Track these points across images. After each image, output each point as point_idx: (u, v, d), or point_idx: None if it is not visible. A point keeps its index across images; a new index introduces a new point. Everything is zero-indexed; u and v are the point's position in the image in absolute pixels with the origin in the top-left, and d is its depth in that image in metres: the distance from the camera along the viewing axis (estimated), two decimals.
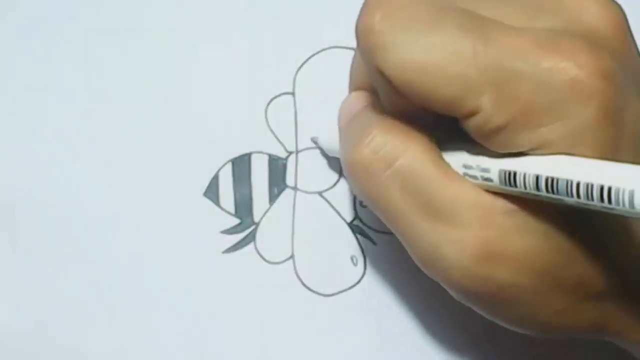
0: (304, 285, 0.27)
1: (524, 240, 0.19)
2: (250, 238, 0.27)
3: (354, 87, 0.24)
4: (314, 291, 0.27)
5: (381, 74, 0.19)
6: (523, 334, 0.22)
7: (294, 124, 0.27)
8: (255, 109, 0.27)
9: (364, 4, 0.19)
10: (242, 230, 0.27)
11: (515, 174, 0.19)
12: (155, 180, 0.27)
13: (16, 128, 0.27)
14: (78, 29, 0.27)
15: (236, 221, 0.27)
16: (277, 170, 0.27)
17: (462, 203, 0.19)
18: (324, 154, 0.27)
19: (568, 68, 0.18)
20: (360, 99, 0.23)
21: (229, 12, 0.27)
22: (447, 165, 0.20)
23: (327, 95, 0.27)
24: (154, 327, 0.27)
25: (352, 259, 0.27)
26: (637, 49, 0.20)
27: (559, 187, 0.18)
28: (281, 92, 0.27)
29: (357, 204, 0.27)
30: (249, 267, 0.27)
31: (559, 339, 0.23)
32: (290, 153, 0.27)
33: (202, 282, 0.27)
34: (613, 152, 0.18)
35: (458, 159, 0.20)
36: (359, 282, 0.27)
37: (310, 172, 0.27)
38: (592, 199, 0.17)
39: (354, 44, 0.27)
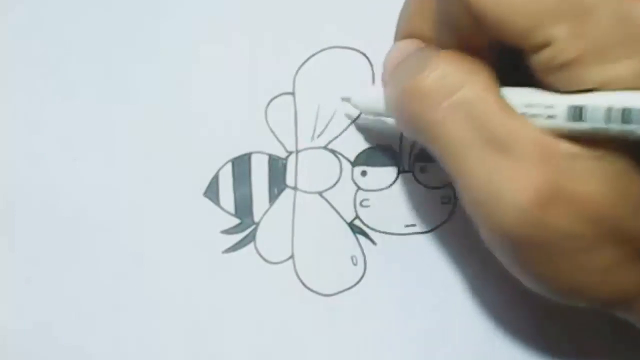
0: (304, 285, 0.27)
1: (590, 185, 0.18)
2: (250, 238, 0.27)
3: (403, 34, 0.23)
4: (314, 291, 0.27)
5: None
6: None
7: (294, 124, 0.27)
8: (255, 109, 0.27)
9: None
10: (242, 230, 0.27)
11: (583, 108, 0.18)
12: (155, 180, 0.27)
13: (16, 128, 0.27)
14: (78, 30, 0.27)
15: (236, 221, 0.27)
16: (277, 170, 0.27)
17: (525, 139, 0.19)
18: (350, 116, 0.26)
19: None
20: (411, 43, 0.22)
21: (229, 12, 0.27)
22: (509, 102, 0.19)
23: (327, 95, 0.27)
24: (154, 327, 0.27)
25: (352, 259, 0.27)
26: None
27: (633, 116, 0.17)
28: (281, 92, 0.27)
29: (357, 204, 0.27)
30: (249, 267, 0.27)
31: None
32: (290, 153, 0.27)
33: (202, 282, 0.27)
34: None
35: (520, 97, 0.19)
36: (359, 282, 0.27)
37: (310, 172, 0.27)
38: None
39: (354, 44, 0.27)
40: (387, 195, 0.27)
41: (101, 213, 0.27)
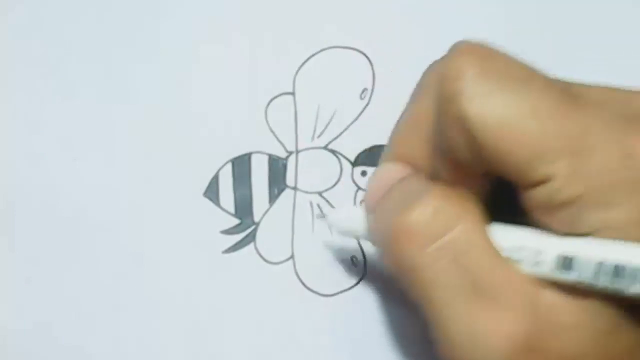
0: (304, 285, 0.27)
1: (570, 340, 0.18)
2: (250, 238, 0.27)
3: (394, 156, 0.22)
4: (314, 291, 0.27)
5: (459, 123, 0.18)
6: None
7: (294, 124, 0.27)
8: (255, 109, 0.27)
9: (454, 49, 0.19)
10: (242, 231, 0.27)
11: (573, 259, 0.18)
12: (155, 180, 0.27)
13: (16, 128, 0.27)
14: (78, 30, 0.27)
15: (236, 221, 0.27)
16: (277, 170, 0.27)
17: (510, 287, 0.18)
18: (331, 230, 0.26)
19: None
20: (398, 170, 0.22)
21: (229, 12, 0.27)
22: (496, 244, 0.19)
23: (327, 95, 0.27)
24: (154, 326, 0.27)
25: (352, 259, 0.27)
26: None
27: (626, 273, 0.17)
28: (281, 92, 0.27)
29: (357, 204, 0.27)
30: (249, 267, 0.27)
31: None
32: (290, 153, 0.27)
33: (202, 282, 0.27)
34: None
35: (509, 239, 0.19)
36: (359, 282, 0.27)
37: (310, 172, 0.27)
38: None
39: (354, 44, 0.27)
40: None
41: (101, 213, 0.27)
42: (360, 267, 0.27)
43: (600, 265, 0.17)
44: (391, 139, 0.23)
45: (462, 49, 0.19)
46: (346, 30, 0.27)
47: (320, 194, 0.27)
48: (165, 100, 0.27)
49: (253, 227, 0.27)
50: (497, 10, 0.27)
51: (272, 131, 0.27)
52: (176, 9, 0.27)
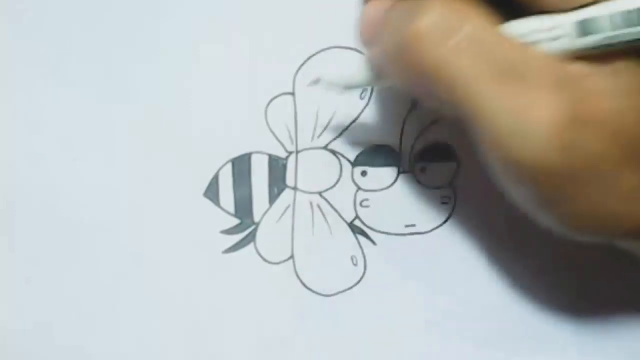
0: (304, 285, 0.27)
1: (608, 102, 0.18)
2: (250, 238, 0.27)
3: None
4: (314, 291, 0.27)
5: None
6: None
7: (294, 124, 0.27)
8: (255, 109, 0.27)
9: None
10: (242, 230, 0.27)
11: (591, 20, 0.18)
12: (155, 180, 0.27)
13: (16, 128, 0.27)
14: (78, 30, 0.27)
15: (236, 221, 0.27)
16: (277, 170, 0.27)
17: (537, 66, 0.18)
18: (330, 90, 0.25)
19: None
20: (384, 1, 0.22)
21: (229, 12, 0.27)
22: (512, 33, 0.19)
23: (327, 95, 0.27)
24: (154, 327, 0.27)
25: (352, 259, 0.27)
26: None
27: None
28: (281, 92, 0.27)
29: (357, 204, 0.27)
30: (249, 267, 0.27)
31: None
32: (290, 153, 0.27)
33: (202, 282, 0.27)
34: None
35: (519, 27, 0.19)
36: (359, 282, 0.27)
37: (310, 172, 0.27)
38: None
39: (354, 44, 0.27)
40: (387, 195, 0.27)
41: (101, 213, 0.27)
42: (360, 267, 0.27)
43: (618, 15, 0.17)
44: None
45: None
46: (346, 30, 0.27)
47: (320, 194, 0.27)
48: (165, 100, 0.27)
49: (253, 227, 0.27)
50: None
51: (272, 131, 0.27)
52: (176, 9, 0.27)
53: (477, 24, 0.19)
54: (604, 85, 0.18)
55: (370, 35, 0.22)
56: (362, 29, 0.23)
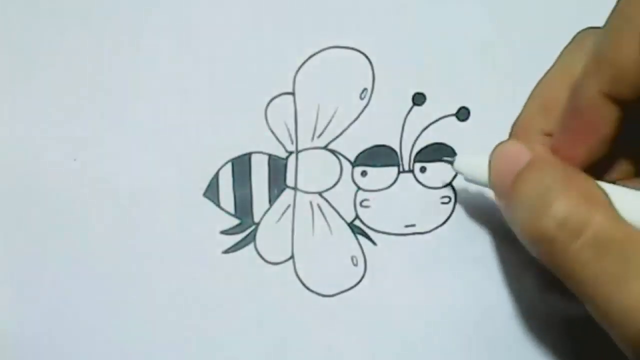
0: (304, 285, 0.27)
1: None
2: (250, 238, 0.27)
3: (538, 102, 0.24)
4: (314, 291, 0.27)
5: None
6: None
7: (294, 124, 0.27)
8: (255, 109, 0.27)
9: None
10: (242, 231, 0.27)
11: None
12: (156, 180, 0.27)
13: (16, 128, 0.27)
14: (78, 30, 0.27)
15: (236, 221, 0.27)
16: (277, 170, 0.27)
17: None
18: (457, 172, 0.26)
19: None
20: (525, 151, 0.22)
21: (229, 12, 0.27)
22: (626, 222, 0.20)
23: (327, 95, 0.27)
24: (153, 327, 0.27)
25: (352, 259, 0.27)
26: None
27: None
28: (281, 92, 0.27)
29: (357, 204, 0.27)
30: (249, 267, 0.27)
31: None
32: (290, 153, 0.27)
33: (202, 282, 0.27)
34: None
35: (629, 204, 0.20)
36: (359, 282, 0.27)
37: (310, 172, 0.27)
38: None
39: (353, 44, 0.27)
40: (387, 195, 0.27)
41: (101, 213, 0.27)
42: (360, 267, 0.27)
43: None
44: (536, 90, 0.24)
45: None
46: (346, 30, 0.27)
47: (320, 194, 0.27)
48: (165, 100, 0.27)
49: (253, 227, 0.27)
50: (498, 10, 0.27)
51: (272, 131, 0.27)
52: (177, 9, 0.27)
53: (601, 223, 0.19)
54: None
55: (502, 190, 0.22)
56: (494, 178, 0.23)
